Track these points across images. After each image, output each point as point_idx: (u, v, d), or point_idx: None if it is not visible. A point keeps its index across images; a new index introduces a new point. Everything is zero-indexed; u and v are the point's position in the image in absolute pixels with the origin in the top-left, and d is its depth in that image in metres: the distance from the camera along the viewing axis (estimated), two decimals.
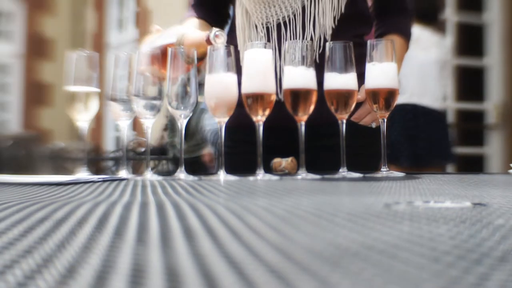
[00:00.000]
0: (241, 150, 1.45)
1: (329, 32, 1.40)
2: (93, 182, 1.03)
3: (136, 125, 5.44)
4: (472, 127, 4.76)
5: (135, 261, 0.29)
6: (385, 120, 1.24)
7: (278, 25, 1.41)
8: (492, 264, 0.28)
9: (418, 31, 3.03)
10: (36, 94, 7.50)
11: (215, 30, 1.23)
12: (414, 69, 3.16)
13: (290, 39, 1.40)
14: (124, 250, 0.32)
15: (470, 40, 4.67)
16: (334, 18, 1.40)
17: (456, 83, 4.49)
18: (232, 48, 1.18)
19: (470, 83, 4.67)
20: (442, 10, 3.82)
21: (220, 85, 1.17)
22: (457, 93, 4.49)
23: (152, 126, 1.26)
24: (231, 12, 1.59)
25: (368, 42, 1.24)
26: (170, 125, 5.11)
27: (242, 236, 0.37)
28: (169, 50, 1.19)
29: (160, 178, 1.15)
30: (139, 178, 1.17)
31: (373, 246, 0.33)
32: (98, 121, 7.06)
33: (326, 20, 1.40)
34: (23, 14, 7.54)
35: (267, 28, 1.42)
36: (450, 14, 4.41)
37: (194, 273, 0.26)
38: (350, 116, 1.33)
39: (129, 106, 1.29)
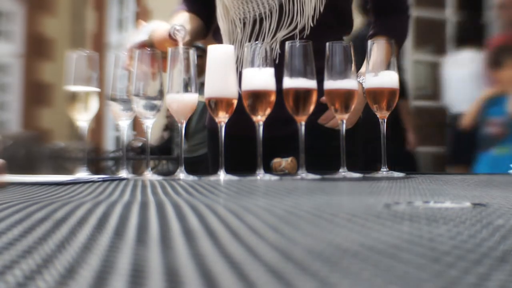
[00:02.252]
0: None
1: (306, 32, 1.40)
2: (93, 182, 1.03)
3: (136, 125, 5.44)
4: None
5: (135, 261, 0.29)
6: (385, 121, 1.24)
7: (255, 21, 1.43)
8: (492, 265, 0.28)
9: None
10: (36, 94, 7.50)
11: (174, 25, 1.28)
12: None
13: (265, 35, 1.42)
14: (124, 250, 0.32)
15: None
16: (313, 17, 1.41)
17: None
18: (192, 50, 1.19)
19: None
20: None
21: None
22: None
23: (152, 126, 1.26)
24: None
25: (369, 42, 1.24)
26: (170, 125, 5.12)
27: (242, 236, 0.37)
28: (136, 52, 1.23)
29: (160, 178, 1.15)
30: (139, 178, 1.17)
31: (373, 246, 0.33)
32: (98, 121, 7.05)
33: (304, 18, 1.41)
34: (23, 14, 7.54)
35: (244, 24, 1.44)
36: (450, 14, 4.41)
37: (194, 273, 0.26)
38: (317, 118, 1.34)
39: (129, 106, 1.29)
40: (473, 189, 0.83)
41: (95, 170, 5.03)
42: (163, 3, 6.45)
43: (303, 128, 1.20)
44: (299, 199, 0.68)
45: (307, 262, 0.29)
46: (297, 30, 1.41)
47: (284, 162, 1.36)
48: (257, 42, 1.37)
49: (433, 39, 4.65)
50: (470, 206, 0.56)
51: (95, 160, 5.42)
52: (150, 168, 1.24)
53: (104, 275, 0.26)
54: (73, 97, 1.31)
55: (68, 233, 0.38)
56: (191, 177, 1.14)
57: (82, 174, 1.26)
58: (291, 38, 1.40)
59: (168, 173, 1.31)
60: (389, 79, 1.23)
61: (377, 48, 1.26)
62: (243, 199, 0.69)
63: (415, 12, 4.22)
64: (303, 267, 0.28)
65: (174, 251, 0.32)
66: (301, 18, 1.41)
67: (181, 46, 1.24)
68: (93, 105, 1.32)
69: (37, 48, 7.52)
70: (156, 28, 1.35)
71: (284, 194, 0.73)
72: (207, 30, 1.59)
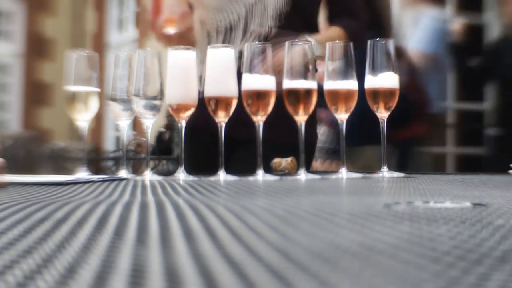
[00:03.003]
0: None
1: (270, 30, 1.47)
2: (93, 182, 1.03)
3: (136, 125, 5.44)
4: (472, 127, 4.76)
5: (135, 261, 0.29)
6: (385, 120, 1.24)
7: (226, 29, 1.52)
8: (492, 265, 0.28)
9: None
10: (36, 94, 7.50)
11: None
12: None
13: (234, 40, 1.50)
14: (124, 250, 0.32)
15: (470, 40, 4.66)
16: (276, 18, 1.49)
17: (456, 83, 4.48)
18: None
19: (470, 83, 4.66)
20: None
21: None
22: (457, 93, 4.49)
23: (152, 126, 1.26)
24: None
25: (368, 42, 1.24)
26: (170, 125, 5.12)
27: (242, 236, 0.37)
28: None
29: (160, 178, 1.15)
30: (139, 178, 1.17)
31: (373, 246, 0.33)
32: (98, 121, 7.05)
33: (267, 21, 1.49)
34: (23, 14, 7.54)
35: (217, 33, 1.53)
36: (450, 14, 4.40)
37: (194, 274, 0.26)
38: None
39: (129, 106, 1.29)
40: (473, 189, 0.83)
41: (95, 170, 5.03)
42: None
43: (303, 128, 1.20)
44: (299, 199, 0.68)
45: (307, 262, 0.29)
46: (261, 34, 1.48)
47: (284, 162, 1.36)
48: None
49: None
50: (470, 206, 0.56)
51: (95, 160, 5.42)
52: (150, 168, 1.24)
53: (104, 275, 0.26)
54: (73, 97, 1.31)
55: (68, 233, 0.38)
56: (191, 177, 1.14)
57: (82, 174, 1.26)
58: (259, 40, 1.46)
59: (168, 173, 1.31)
60: (389, 79, 1.23)
61: (331, 30, 1.29)
62: (243, 199, 0.69)
63: None
64: (303, 267, 0.28)
65: (174, 251, 0.32)
66: (266, 20, 1.49)
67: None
68: (93, 105, 1.32)
69: (37, 48, 7.52)
70: None
71: (284, 194, 0.73)
72: None
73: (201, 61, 1.31)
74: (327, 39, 1.31)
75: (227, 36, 1.52)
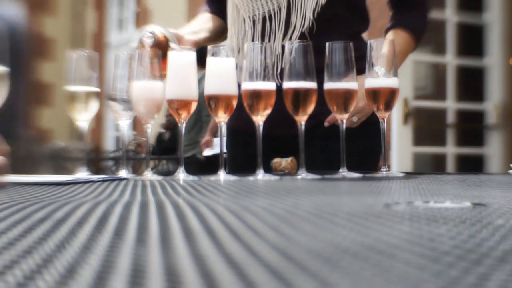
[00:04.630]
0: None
1: (314, 28, 1.40)
2: (93, 182, 1.03)
3: (136, 125, 5.44)
4: (472, 127, 4.76)
5: (135, 261, 0.29)
6: (385, 120, 1.24)
7: (264, 18, 1.44)
8: (492, 265, 0.28)
9: None
10: (36, 93, 7.50)
11: (145, 32, 1.31)
12: None
13: (275, 32, 1.42)
14: (124, 250, 0.32)
15: (470, 40, 4.67)
16: (314, 11, 1.41)
17: (456, 84, 4.49)
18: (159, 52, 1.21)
19: (470, 83, 4.67)
20: None
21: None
22: (457, 93, 4.49)
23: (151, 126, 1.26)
24: None
25: (368, 42, 1.24)
26: (169, 125, 5.12)
27: (242, 236, 0.37)
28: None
29: (160, 178, 1.15)
30: (139, 178, 1.17)
31: (373, 246, 0.33)
32: (98, 121, 7.06)
33: (307, 14, 1.41)
34: (24, 14, 7.53)
35: (253, 22, 1.45)
36: (450, 14, 4.41)
37: (194, 274, 0.26)
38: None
39: (129, 106, 1.29)
40: (473, 189, 0.83)
41: (95, 170, 5.03)
42: (163, 3, 6.45)
43: (303, 128, 1.20)
44: (299, 199, 0.68)
45: (307, 262, 0.29)
46: (305, 27, 1.41)
47: (284, 162, 1.36)
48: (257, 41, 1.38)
49: (433, 40, 4.65)
50: (470, 206, 0.56)
51: (95, 160, 5.42)
52: (150, 168, 1.24)
53: (104, 275, 0.26)
54: (73, 97, 1.31)
55: (68, 233, 0.38)
56: (191, 177, 1.14)
57: (82, 174, 1.26)
58: (302, 35, 1.40)
59: (168, 173, 1.31)
60: (389, 79, 1.23)
61: (399, 41, 1.26)
62: (243, 199, 0.69)
63: None
64: (303, 267, 0.28)
65: (174, 251, 0.32)
66: (306, 14, 1.41)
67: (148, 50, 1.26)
68: (93, 105, 1.32)
69: (37, 47, 7.52)
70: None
71: (284, 194, 0.73)
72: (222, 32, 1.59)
73: (237, 51, 1.27)
74: (398, 55, 1.27)
75: (265, 26, 1.43)
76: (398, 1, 1.52)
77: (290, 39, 1.41)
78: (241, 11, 1.46)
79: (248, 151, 1.35)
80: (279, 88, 1.19)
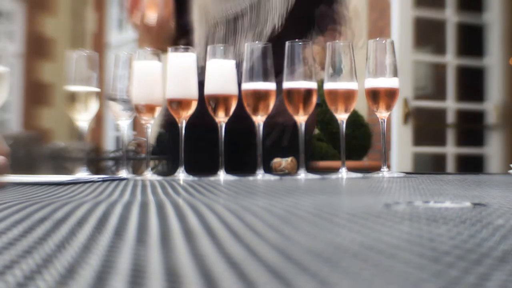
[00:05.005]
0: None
1: (278, 24, 1.45)
2: (93, 182, 1.03)
3: (136, 125, 5.44)
4: (472, 127, 4.76)
5: (135, 261, 0.29)
6: (385, 121, 1.24)
7: (235, 18, 1.47)
8: (492, 265, 0.28)
9: None
10: (36, 93, 7.50)
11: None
12: None
13: (246, 32, 1.46)
14: (124, 250, 0.32)
15: (470, 40, 4.67)
16: (285, 11, 1.46)
17: (456, 84, 4.49)
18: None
19: (470, 83, 4.67)
20: None
21: None
22: (457, 93, 4.49)
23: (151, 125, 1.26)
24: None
25: (369, 42, 1.24)
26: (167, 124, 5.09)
27: (242, 236, 0.37)
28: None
29: (160, 178, 1.15)
30: (139, 178, 1.17)
31: (373, 246, 0.33)
32: (98, 121, 7.06)
33: (276, 14, 1.46)
34: (23, 14, 7.54)
35: (226, 21, 1.48)
36: (450, 14, 4.41)
37: (194, 274, 0.26)
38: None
39: (129, 106, 1.29)
40: (473, 189, 0.83)
41: (95, 170, 5.03)
42: None
43: (303, 127, 1.20)
44: (299, 199, 0.68)
45: (307, 262, 0.29)
46: (267, 28, 1.46)
47: (284, 162, 1.36)
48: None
49: (433, 39, 4.65)
50: (470, 206, 0.56)
51: (95, 160, 5.42)
52: (150, 168, 1.24)
53: (104, 275, 0.26)
54: (73, 97, 1.31)
55: (68, 233, 0.38)
56: (191, 177, 1.14)
57: (82, 174, 1.26)
58: (271, 35, 1.44)
59: (168, 173, 1.31)
60: (388, 79, 1.23)
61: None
62: (243, 199, 0.69)
63: (415, 12, 4.22)
64: (303, 267, 0.28)
65: (174, 251, 0.32)
66: (274, 15, 1.47)
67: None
68: (93, 105, 1.32)
69: (37, 48, 7.52)
70: None
71: (284, 194, 0.73)
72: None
73: (204, 51, 1.29)
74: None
75: (230, 27, 1.48)
76: (323, 26, 1.55)
77: (259, 39, 1.45)
78: (211, 12, 1.50)
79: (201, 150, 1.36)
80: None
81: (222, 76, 1.18)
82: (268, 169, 1.29)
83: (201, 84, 1.19)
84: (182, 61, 1.19)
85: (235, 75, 1.19)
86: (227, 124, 1.20)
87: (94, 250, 0.32)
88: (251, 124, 1.21)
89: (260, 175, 1.14)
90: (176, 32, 1.60)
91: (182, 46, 1.24)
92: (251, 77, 1.17)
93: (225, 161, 1.17)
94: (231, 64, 1.19)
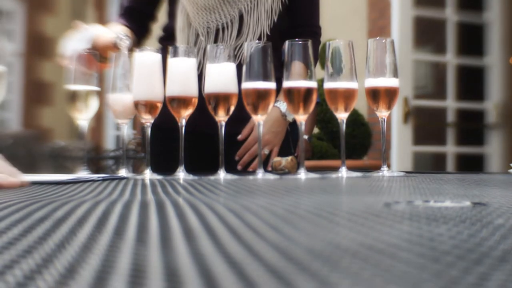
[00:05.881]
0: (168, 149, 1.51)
1: (264, 39, 1.50)
2: (93, 181, 1.03)
3: (136, 124, 5.44)
4: (472, 126, 4.76)
5: (135, 260, 0.29)
6: (385, 120, 1.24)
7: (217, 30, 1.51)
8: (492, 264, 0.28)
9: None
10: (37, 92, 7.50)
11: (119, 34, 1.37)
12: None
13: (227, 42, 1.50)
14: (124, 250, 0.32)
15: (470, 40, 4.67)
16: (268, 26, 1.51)
17: (456, 83, 4.48)
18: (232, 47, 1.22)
19: (470, 83, 4.67)
20: None
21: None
22: (457, 93, 4.49)
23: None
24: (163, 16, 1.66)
25: (369, 41, 1.24)
26: None
27: (242, 235, 0.37)
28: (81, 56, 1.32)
29: (160, 177, 1.15)
30: (139, 177, 1.17)
31: (372, 246, 0.33)
32: (98, 120, 7.05)
33: (260, 27, 1.51)
34: (24, 13, 7.54)
35: (207, 33, 1.52)
36: (450, 14, 4.40)
37: (194, 273, 0.26)
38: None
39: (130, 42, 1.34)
40: (473, 188, 0.83)
41: (95, 169, 5.03)
42: None
43: (302, 127, 1.20)
44: (299, 198, 0.68)
45: (307, 262, 0.29)
46: (255, 38, 1.51)
47: (284, 161, 1.36)
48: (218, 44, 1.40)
49: (433, 39, 4.64)
50: (470, 205, 0.56)
51: (95, 159, 5.42)
52: (150, 167, 1.24)
53: (104, 275, 0.26)
54: (73, 96, 1.31)
55: (68, 233, 0.38)
56: (191, 176, 1.14)
57: (82, 173, 1.26)
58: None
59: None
60: (388, 78, 1.23)
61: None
62: (243, 198, 0.69)
63: (415, 12, 4.22)
64: (303, 267, 0.28)
65: (174, 250, 0.32)
66: (258, 27, 1.51)
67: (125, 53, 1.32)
68: (93, 104, 1.32)
69: (37, 47, 7.52)
70: (98, 34, 1.41)
71: (284, 193, 0.73)
72: (137, 45, 1.62)
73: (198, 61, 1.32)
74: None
75: (211, 38, 1.52)
76: (293, 31, 1.58)
77: (239, 51, 1.50)
78: (193, 23, 1.53)
79: (173, 146, 1.37)
80: None
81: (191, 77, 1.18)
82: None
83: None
84: (182, 62, 1.20)
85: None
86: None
87: (94, 250, 0.32)
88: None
89: (260, 174, 1.14)
90: (164, 33, 1.63)
91: (182, 46, 1.24)
92: (251, 77, 1.17)
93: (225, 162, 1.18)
94: (231, 66, 1.19)
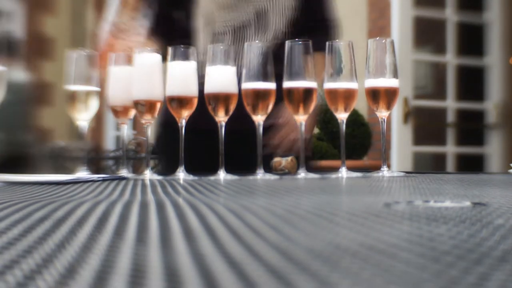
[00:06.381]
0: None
1: (280, 37, 1.48)
2: (93, 181, 1.03)
3: (136, 124, 5.44)
4: (472, 126, 4.76)
5: (135, 261, 0.29)
6: (385, 120, 1.24)
7: (238, 28, 1.51)
8: (492, 264, 0.28)
9: None
10: (37, 93, 7.50)
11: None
12: None
13: (251, 41, 1.49)
14: (124, 250, 0.32)
15: (470, 40, 4.67)
16: (289, 22, 1.51)
17: (456, 83, 4.48)
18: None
19: (470, 83, 4.67)
20: None
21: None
22: (457, 93, 4.49)
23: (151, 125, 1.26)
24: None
25: (369, 41, 1.24)
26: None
27: (242, 236, 0.37)
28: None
29: (160, 177, 1.15)
30: (139, 177, 1.17)
31: (373, 246, 0.33)
32: (98, 120, 7.05)
33: (281, 24, 1.50)
34: (24, 14, 7.54)
35: (228, 31, 1.51)
36: (450, 14, 4.40)
37: (194, 273, 0.26)
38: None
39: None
40: (473, 188, 0.83)
41: (95, 169, 5.03)
42: None
43: (302, 128, 1.20)
44: (299, 198, 0.68)
45: (307, 262, 0.29)
46: (277, 35, 1.49)
47: (284, 162, 1.36)
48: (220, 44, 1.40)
49: (433, 39, 4.64)
50: (470, 205, 0.56)
51: (95, 159, 5.42)
52: (150, 168, 1.24)
53: (104, 275, 0.26)
54: (73, 97, 1.31)
55: (68, 233, 0.38)
56: (191, 177, 1.14)
57: (82, 173, 1.26)
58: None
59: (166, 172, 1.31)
60: (388, 78, 1.23)
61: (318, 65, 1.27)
62: (243, 198, 0.69)
63: (415, 12, 4.22)
64: (303, 267, 0.28)
65: (174, 250, 0.32)
66: (279, 24, 1.50)
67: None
68: (93, 104, 1.32)
69: (37, 47, 7.52)
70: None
71: (284, 194, 0.73)
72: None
73: (204, 59, 1.30)
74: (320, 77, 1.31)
75: (236, 36, 1.51)
76: (306, 24, 1.57)
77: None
78: (215, 21, 1.52)
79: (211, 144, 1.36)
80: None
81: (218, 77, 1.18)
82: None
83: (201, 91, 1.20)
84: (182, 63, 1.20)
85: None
86: (229, 125, 1.20)
87: (94, 250, 0.32)
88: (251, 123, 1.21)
89: (260, 174, 1.14)
90: (177, 34, 1.62)
91: (183, 46, 1.24)
92: (251, 77, 1.17)
93: (227, 161, 1.17)
94: (230, 68, 1.19)
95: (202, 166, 1.28)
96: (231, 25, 1.51)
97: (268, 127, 1.41)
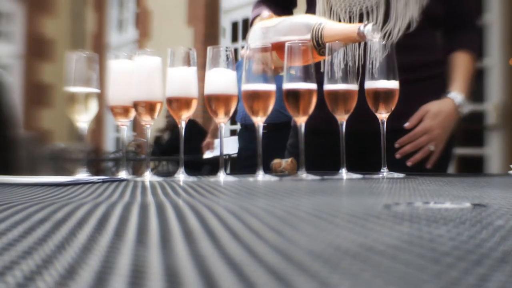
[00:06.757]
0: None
1: (412, 26, 1.39)
2: (93, 183, 1.03)
3: (136, 126, 5.45)
4: (472, 127, 4.76)
5: (134, 262, 0.29)
6: (385, 121, 1.24)
7: (361, 15, 1.40)
8: (492, 265, 0.28)
9: None
10: (36, 94, 7.51)
11: (369, 23, 1.12)
12: None
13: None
14: (124, 251, 0.32)
15: None
16: (417, 10, 1.39)
17: None
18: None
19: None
20: None
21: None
22: None
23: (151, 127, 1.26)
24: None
25: (369, 42, 1.24)
26: (170, 126, 5.11)
27: (242, 237, 0.37)
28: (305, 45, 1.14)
29: (160, 179, 1.15)
30: (139, 179, 1.17)
31: (372, 247, 0.33)
32: (98, 122, 7.06)
33: (408, 14, 1.39)
34: (23, 15, 7.54)
35: (350, 18, 1.41)
36: None
37: (194, 274, 0.26)
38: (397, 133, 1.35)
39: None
40: (473, 189, 0.83)
41: (95, 171, 5.03)
42: (163, 4, 6.45)
43: (302, 129, 1.20)
44: (299, 199, 0.68)
45: (307, 263, 0.29)
46: (403, 25, 1.39)
47: (284, 163, 1.36)
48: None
49: None
50: (470, 206, 0.56)
51: (95, 161, 5.42)
52: (150, 169, 1.24)
53: (104, 276, 0.26)
54: (73, 98, 1.31)
55: (68, 234, 0.38)
56: (191, 178, 1.14)
57: (82, 175, 1.26)
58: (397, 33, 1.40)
59: (168, 174, 1.31)
60: (388, 80, 1.23)
61: (463, 63, 1.26)
62: (243, 199, 0.69)
63: None
64: (303, 268, 0.28)
65: (174, 252, 0.32)
66: (406, 12, 1.39)
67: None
68: (93, 106, 1.32)
69: (37, 48, 7.53)
70: (323, 23, 1.19)
71: (284, 195, 0.73)
72: None
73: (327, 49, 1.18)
74: (468, 79, 1.29)
75: (362, 22, 1.39)
76: (450, 23, 1.49)
77: (388, 37, 1.39)
78: (334, 6, 1.42)
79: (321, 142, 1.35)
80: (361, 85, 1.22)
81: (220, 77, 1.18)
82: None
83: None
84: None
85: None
86: (351, 125, 1.20)
87: (94, 251, 0.32)
88: (376, 124, 1.21)
89: (260, 176, 1.14)
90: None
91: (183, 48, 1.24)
92: (251, 78, 1.17)
93: (350, 162, 1.19)
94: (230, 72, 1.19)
95: (324, 166, 1.26)
96: (353, 11, 1.40)
97: (397, 130, 1.36)
